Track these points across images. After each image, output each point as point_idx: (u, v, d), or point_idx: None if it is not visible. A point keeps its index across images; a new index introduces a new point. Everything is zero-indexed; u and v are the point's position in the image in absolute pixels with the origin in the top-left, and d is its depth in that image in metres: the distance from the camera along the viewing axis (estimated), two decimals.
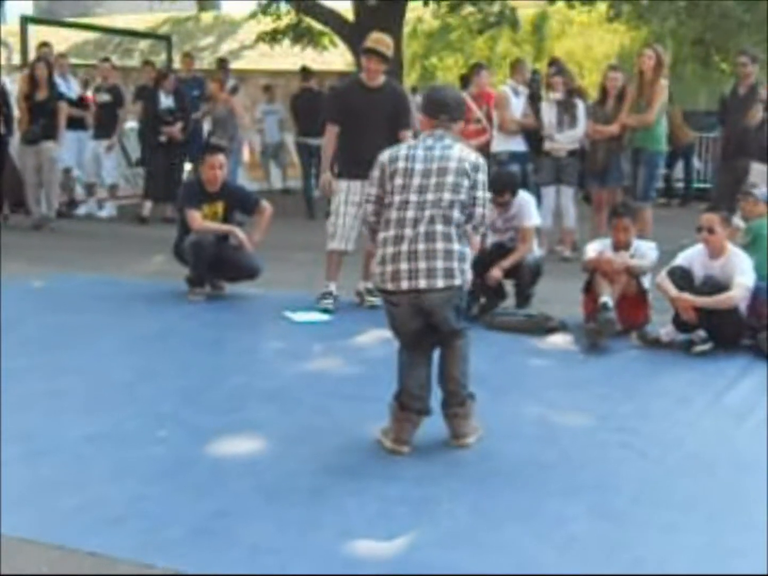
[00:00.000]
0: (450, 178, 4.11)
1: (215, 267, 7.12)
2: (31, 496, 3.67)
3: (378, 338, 6.18)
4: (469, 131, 9.11)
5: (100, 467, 3.98)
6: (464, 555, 3.27)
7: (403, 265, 4.06)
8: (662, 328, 6.10)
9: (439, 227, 4.08)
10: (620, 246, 6.34)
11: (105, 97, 11.63)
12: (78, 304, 6.94)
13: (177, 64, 15.12)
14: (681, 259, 6.19)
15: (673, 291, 5.93)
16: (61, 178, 11.64)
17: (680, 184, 14.04)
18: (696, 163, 13.99)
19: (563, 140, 9.11)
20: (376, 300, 6.94)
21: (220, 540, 3.35)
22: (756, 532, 3.48)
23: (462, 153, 4.20)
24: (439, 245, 4.07)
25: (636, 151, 8.92)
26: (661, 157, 9.25)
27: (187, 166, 12.62)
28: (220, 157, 7.23)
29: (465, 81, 10.74)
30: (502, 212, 6.80)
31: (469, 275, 4.19)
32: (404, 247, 4.07)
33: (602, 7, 13.23)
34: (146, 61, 14.16)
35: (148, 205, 11.52)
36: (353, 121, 6.72)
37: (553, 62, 10.14)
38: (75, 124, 11.56)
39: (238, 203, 7.34)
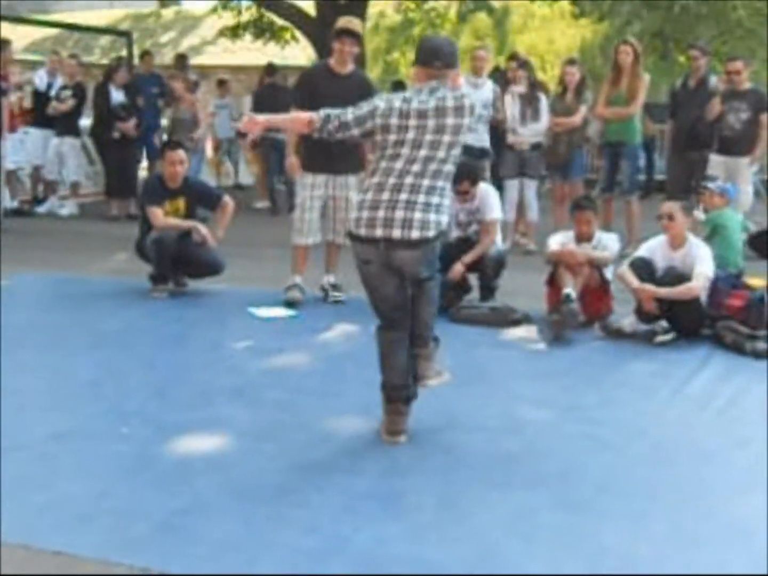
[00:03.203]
0: (446, 137, 4.09)
1: (178, 263, 7.09)
2: None
3: (343, 333, 6.20)
4: None
5: (66, 465, 3.96)
6: (430, 547, 3.29)
7: (380, 213, 4.06)
8: (625, 318, 6.15)
9: (426, 181, 4.08)
10: (583, 238, 6.39)
11: (68, 94, 11.50)
12: (41, 303, 6.90)
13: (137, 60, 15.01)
14: (642, 251, 6.25)
15: (634, 282, 5.98)
16: (29, 173, 11.55)
17: (642, 177, 14.16)
18: (656, 155, 14.12)
19: (526, 133, 9.15)
20: (341, 295, 6.96)
21: (186, 537, 3.34)
22: (717, 519, 3.54)
23: (456, 103, 4.13)
24: (421, 197, 4.06)
25: (612, 144, 8.99)
26: (640, 149, 9.37)
27: (144, 163, 12.56)
28: (180, 153, 7.19)
29: None
30: (464, 204, 6.82)
31: (445, 223, 4.18)
32: (385, 195, 4.07)
33: (564, 3, 13.31)
34: (118, 57, 14.05)
35: (114, 203, 11.45)
36: (318, 108, 6.59)
37: (515, 56, 10.18)
38: (42, 121, 11.46)
39: (200, 199, 7.31)
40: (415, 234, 4.03)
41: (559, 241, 6.45)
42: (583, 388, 5.13)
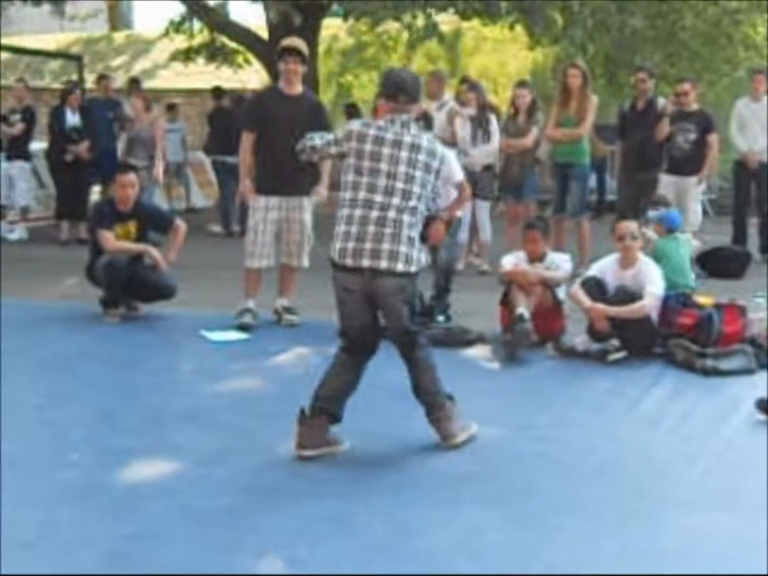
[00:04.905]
0: (419, 173, 4.26)
1: (130, 287, 7.02)
2: None
3: (296, 356, 6.17)
4: None
5: (10, 492, 3.88)
6: (381, 567, 3.27)
7: (368, 245, 4.18)
8: (577, 337, 6.19)
9: (406, 217, 4.22)
10: (534, 258, 6.43)
11: (17, 118, 11.39)
12: None
13: (90, 84, 14.91)
14: (594, 270, 6.31)
15: (586, 301, 6.03)
16: None
17: (594, 197, 14.30)
18: (608, 176, 14.28)
19: (478, 155, 9.20)
20: (295, 318, 6.92)
21: (136, 564, 3.30)
22: (666, 534, 3.56)
23: (430, 145, 4.34)
24: (405, 231, 4.21)
25: (562, 165, 9.07)
26: (588, 170, 9.45)
27: (96, 187, 12.46)
28: (131, 176, 7.14)
29: None
30: None
31: (423, 262, 4.35)
32: (371, 228, 4.19)
33: (518, 27, 13.45)
34: (69, 81, 13.94)
35: (65, 227, 11.34)
36: (270, 131, 6.57)
37: (466, 79, 10.26)
38: None
39: (152, 222, 7.26)
40: (400, 266, 4.19)
41: (511, 261, 6.48)
42: (535, 407, 5.16)
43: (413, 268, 4.25)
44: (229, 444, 4.47)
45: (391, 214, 4.20)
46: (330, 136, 4.49)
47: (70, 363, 5.96)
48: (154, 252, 7.04)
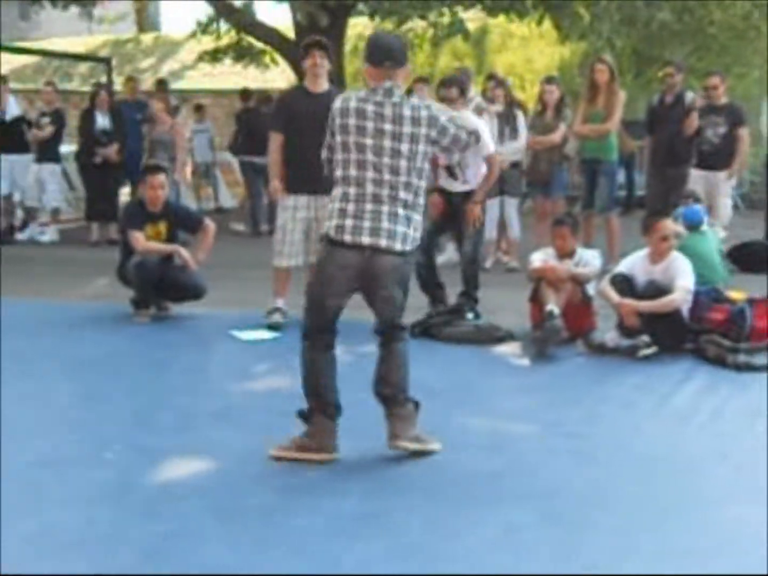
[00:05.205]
0: (405, 146, 4.14)
1: (160, 288, 7.07)
2: None
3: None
4: None
5: (49, 492, 3.93)
6: (418, 567, 3.27)
7: (366, 223, 4.11)
8: (607, 334, 6.17)
9: (402, 194, 4.15)
10: (562, 254, 6.41)
11: (46, 121, 11.49)
12: (22, 329, 6.84)
13: (118, 86, 15.02)
14: (623, 266, 6.29)
15: (615, 297, 6.00)
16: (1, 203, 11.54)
17: (622, 193, 14.23)
18: (637, 172, 14.20)
19: (505, 152, 9.18)
20: None
21: (171, 562, 3.32)
22: (702, 531, 3.54)
23: (413, 113, 4.17)
24: (401, 210, 4.15)
25: (590, 161, 9.03)
26: (617, 166, 9.41)
27: (126, 189, 12.54)
28: (161, 177, 7.18)
29: (408, 96, 10.77)
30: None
31: (418, 239, 4.26)
32: (368, 206, 4.12)
33: (544, 23, 13.40)
34: (97, 84, 14.06)
35: (95, 229, 11.43)
36: (297, 130, 6.56)
37: (492, 76, 10.25)
38: (15, 147, 11.44)
39: (181, 222, 7.31)
40: (398, 246, 4.13)
41: (540, 258, 6.47)
42: (566, 404, 5.14)
43: (409, 247, 4.18)
44: (260, 443, 4.48)
45: (385, 191, 4.12)
46: (328, 135, 4.30)
47: (103, 363, 6.01)
48: (184, 252, 7.08)
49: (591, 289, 6.38)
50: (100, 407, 5.10)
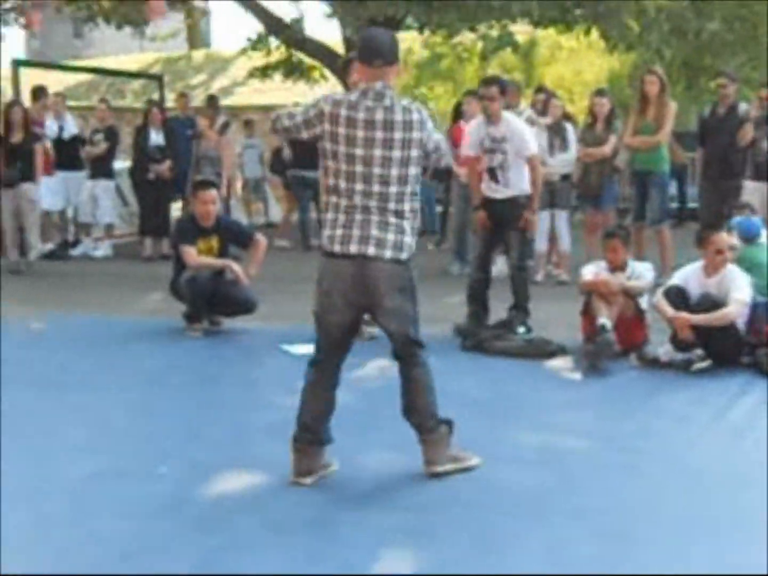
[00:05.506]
0: (396, 153, 4.00)
1: (212, 302, 7.13)
2: (34, 535, 3.67)
3: (377, 368, 6.19)
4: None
5: (103, 504, 3.97)
6: None
7: (355, 231, 4.01)
8: (660, 347, 6.10)
9: (392, 204, 4.03)
10: (614, 267, 6.37)
11: (100, 137, 11.66)
12: (77, 344, 6.94)
13: (170, 103, 15.20)
14: (676, 278, 6.22)
15: (669, 310, 5.95)
16: (55, 219, 11.71)
17: (674, 205, 14.09)
18: (689, 183, 14.06)
19: (556, 164, 9.16)
20: (375, 330, 6.94)
21: (226, 574, 3.34)
22: (758, 548, 3.48)
23: (405, 116, 4.02)
24: (391, 219, 4.03)
25: (640, 173, 8.97)
26: (668, 177, 9.33)
27: (177, 204, 12.68)
28: (213, 192, 7.26)
29: (458, 110, 10.74)
30: (490, 128, 6.76)
31: (413, 246, 4.13)
32: (357, 216, 4.01)
33: (591, 35, 13.35)
34: (150, 101, 14.26)
35: (148, 244, 11.57)
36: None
37: (541, 89, 10.23)
38: (70, 164, 11.62)
39: (233, 237, 7.37)
40: (388, 253, 4.01)
41: (592, 270, 6.43)
42: (619, 418, 5.10)
43: (404, 255, 4.04)
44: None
45: (373, 202, 4.01)
46: (299, 117, 4.13)
47: (157, 377, 6.07)
48: (236, 267, 7.14)
49: (644, 302, 6.32)
50: (154, 421, 5.16)
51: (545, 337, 6.54)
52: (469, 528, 3.70)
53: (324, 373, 4.25)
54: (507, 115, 6.87)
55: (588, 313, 6.30)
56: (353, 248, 4.00)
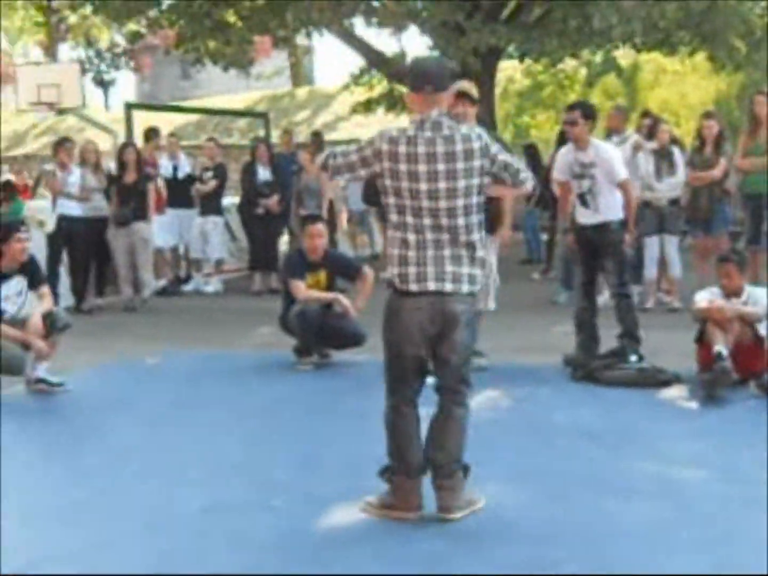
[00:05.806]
0: (461, 183, 3.96)
1: (321, 335, 7.19)
2: (150, 570, 3.72)
3: (486, 399, 6.13)
4: None
5: (217, 538, 4.01)
6: None
7: (430, 268, 3.99)
8: None
9: (462, 237, 4.00)
10: (729, 293, 6.21)
11: (209, 175, 11.94)
12: (191, 379, 7.07)
13: (275, 139, 15.50)
14: None
15: None
16: (167, 256, 12.03)
17: None
18: None
19: (664, 189, 9.02)
20: (483, 361, 6.90)
21: None
22: None
23: (465, 146, 3.96)
24: (463, 251, 4.01)
25: (752, 196, 8.78)
26: None
27: (285, 238, 12.87)
28: (320, 226, 7.35)
29: (563, 137, 10.67)
30: (578, 153, 6.70)
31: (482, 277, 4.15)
32: (429, 252, 3.99)
33: (697, 57, 13.15)
34: (257, 138, 14.56)
35: (257, 278, 11.76)
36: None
37: (647, 113, 10.11)
38: (183, 201, 11.93)
39: (340, 270, 7.44)
40: (465, 288, 4.01)
41: (706, 297, 6.28)
42: (738, 448, 4.96)
43: (477, 287, 4.06)
44: (428, 488, 4.47)
45: (444, 235, 3.98)
46: (354, 156, 4.06)
47: (270, 410, 6.14)
48: (344, 300, 7.20)
49: (762, 328, 6.15)
50: (266, 453, 5.21)
51: (658, 366, 6.41)
52: (590, 561, 3.63)
53: (410, 410, 4.24)
54: (595, 141, 6.82)
55: (703, 341, 6.15)
56: (431, 285, 3.99)
